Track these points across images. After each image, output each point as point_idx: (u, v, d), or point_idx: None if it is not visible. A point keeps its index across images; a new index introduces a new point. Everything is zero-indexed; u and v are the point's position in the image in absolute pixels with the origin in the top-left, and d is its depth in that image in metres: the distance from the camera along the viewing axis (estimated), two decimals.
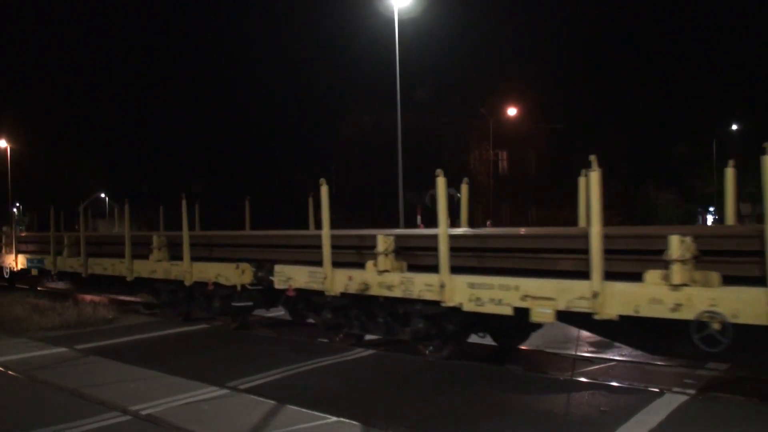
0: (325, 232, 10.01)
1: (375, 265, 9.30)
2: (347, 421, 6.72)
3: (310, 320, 11.98)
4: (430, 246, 8.79)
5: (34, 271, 18.10)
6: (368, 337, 10.81)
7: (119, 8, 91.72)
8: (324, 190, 10.11)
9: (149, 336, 12.35)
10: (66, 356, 10.58)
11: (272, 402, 7.50)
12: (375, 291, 9.36)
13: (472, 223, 12.58)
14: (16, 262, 18.47)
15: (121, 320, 14.00)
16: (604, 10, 75.12)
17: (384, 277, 9.21)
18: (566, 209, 47.81)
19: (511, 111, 51.58)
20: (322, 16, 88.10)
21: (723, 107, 54.37)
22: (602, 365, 9.21)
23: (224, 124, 65.85)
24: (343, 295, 9.92)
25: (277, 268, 10.93)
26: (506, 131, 52.20)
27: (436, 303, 8.67)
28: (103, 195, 64.81)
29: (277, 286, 10.92)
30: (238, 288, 11.63)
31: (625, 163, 48.78)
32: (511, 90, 50.67)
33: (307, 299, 11.00)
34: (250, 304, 12.17)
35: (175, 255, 13.21)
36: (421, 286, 8.76)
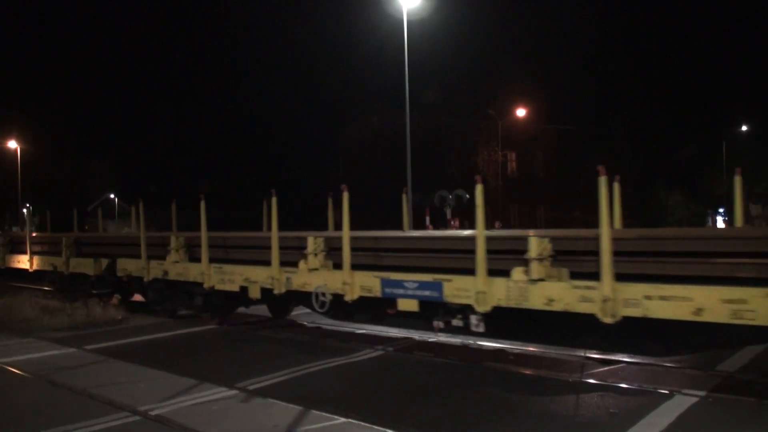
0: None
1: None
2: (356, 422, 6.73)
3: None
4: None
5: (408, 305, 9.19)
6: None
7: (129, 12, 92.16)
8: None
9: (158, 336, 12.38)
10: (75, 356, 10.63)
11: (281, 403, 7.51)
12: None
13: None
14: (351, 285, 9.72)
15: (130, 321, 14.02)
16: (613, 11, 74.96)
17: None
18: (576, 210, 47.78)
19: (520, 112, 51.44)
20: (330, 18, 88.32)
21: (733, 108, 54.15)
22: (611, 367, 9.16)
23: (233, 125, 66.17)
24: None
25: None
26: (515, 132, 52.07)
27: None
28: (112, 195, 65.10)
29: None
30: None
31: (635, 164, 48.60)
32: (520, 91, 50.50)
33: None
34: None
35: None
36: None
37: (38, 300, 16.19)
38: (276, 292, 10.90)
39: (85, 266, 15.84)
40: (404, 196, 13.27)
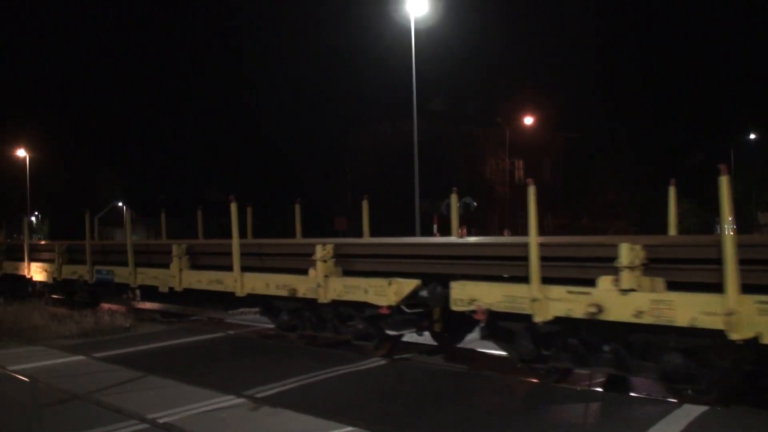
0: None
1: None
2: (363, 430, 6.72)
3: None
4: None
5: None
6: None
7: (138, 20, 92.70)
8: None
9: (166, 344, 12.37)
10: (83, 364, 10.64)
11: (288, 411, 7.51)
12: None
13: (487, 232, 12.49)
14: None
15: (138, 329, 14.01)
16: (621, 19, 74.99)
17: None
18: (583, 218, 47.65)
19: (528, 120, 51.47)
20: (338, 27, 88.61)
21: (740, 115, 54.03)
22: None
23: (241, 133, 66.39)
24: None
25: None
26: (522, 140, 52.10)
27: None
28: (120, 204, 65.38)
29: None
30: None
31: (641, 172, 48.51)
32: (527, 99, 50.62)
33: None
34: None
35: None
36: None
37: (46, 308, 16.22)
38: None
39: (370, 291, 9.57)
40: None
